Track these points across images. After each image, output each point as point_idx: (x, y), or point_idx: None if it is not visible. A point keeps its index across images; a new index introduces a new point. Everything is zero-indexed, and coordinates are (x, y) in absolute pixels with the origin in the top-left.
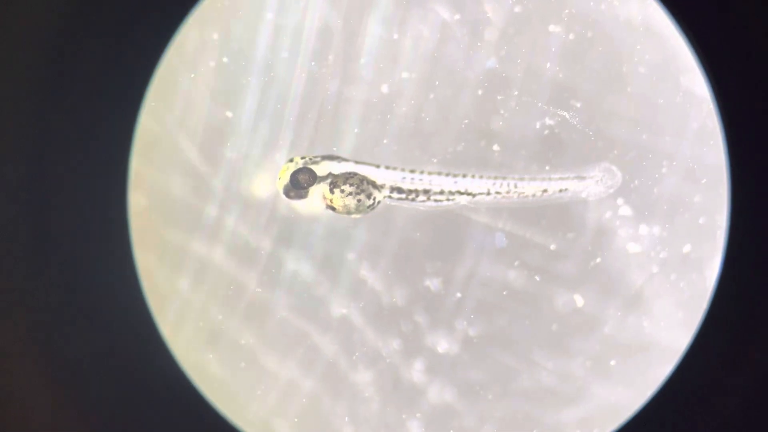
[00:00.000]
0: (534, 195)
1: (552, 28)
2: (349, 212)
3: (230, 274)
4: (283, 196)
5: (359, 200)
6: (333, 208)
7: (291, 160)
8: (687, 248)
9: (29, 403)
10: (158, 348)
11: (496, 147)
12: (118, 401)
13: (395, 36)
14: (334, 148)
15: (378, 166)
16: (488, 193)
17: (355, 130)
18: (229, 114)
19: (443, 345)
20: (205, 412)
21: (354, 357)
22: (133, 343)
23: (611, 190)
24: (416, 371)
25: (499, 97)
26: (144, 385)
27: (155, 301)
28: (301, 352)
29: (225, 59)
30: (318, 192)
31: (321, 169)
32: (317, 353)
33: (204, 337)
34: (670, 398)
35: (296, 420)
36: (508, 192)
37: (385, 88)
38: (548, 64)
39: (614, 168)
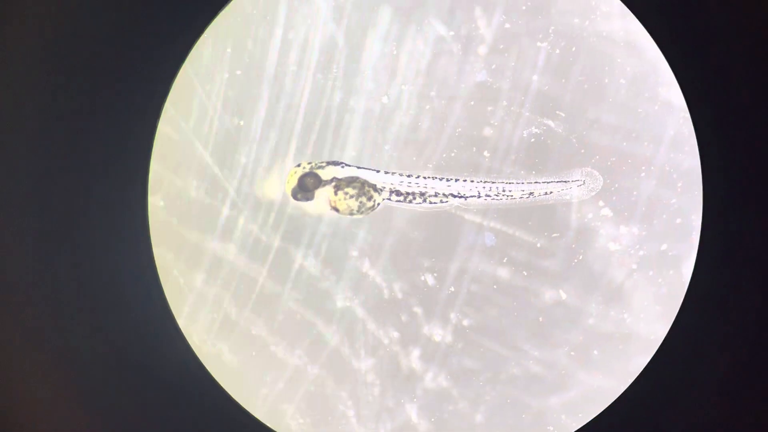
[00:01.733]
0: (521, 197)
1: (539, 43)
2: (351, 213)
3: (242, 269)
4: (291, 198)
5: (361, 202)
6: (337, 209)
7: (298, 165)
8: (664, 247)
9: (49, 393)
10: (175, 338)
11: (486, 153)
12: (137, 388)
13: (394, 51)
14: (338, 154)
15: (378, 171)
16: (479, 196)
17: (359, 139)
18: (241, 122)
19: (439, 334)
20: (218, 396)
21: (356, 346)
22: (152, 334)
23: (593, 193)
24: (414, 359)
25: (489, 108)
26: (162, 372)
27: (172, 294)
28: (307, 342)
29: (238, 71)
30: (323, 194)
31: (326, 173)
32: (322, 342)
33: (217, 328)
34: (648, 385)
35: (302, 404)
36: (497, 194)
37: (385, 99)
38: (535, 77)
39: (596, 172)
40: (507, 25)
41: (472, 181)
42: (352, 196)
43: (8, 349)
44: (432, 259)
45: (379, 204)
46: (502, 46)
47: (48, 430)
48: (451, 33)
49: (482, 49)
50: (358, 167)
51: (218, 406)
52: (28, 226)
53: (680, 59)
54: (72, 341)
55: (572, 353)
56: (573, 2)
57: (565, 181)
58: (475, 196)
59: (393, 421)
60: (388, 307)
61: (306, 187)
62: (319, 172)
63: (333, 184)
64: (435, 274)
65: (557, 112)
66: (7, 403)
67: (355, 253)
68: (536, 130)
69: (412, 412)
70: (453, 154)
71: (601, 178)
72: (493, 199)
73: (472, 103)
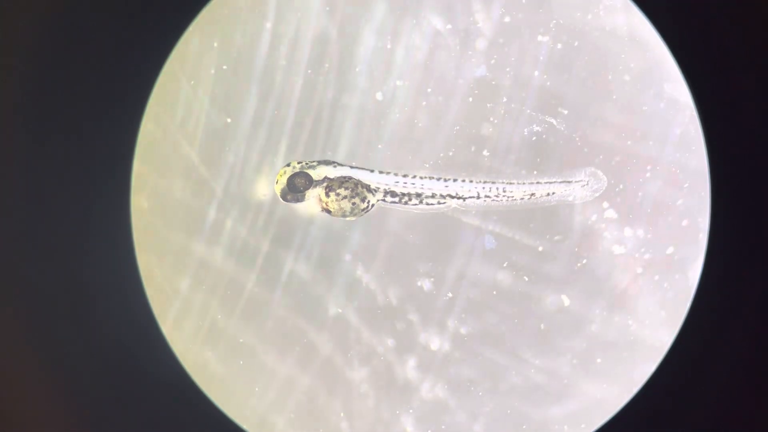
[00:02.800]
0: (522, 198)
1: (540, 37)
2: (344, 215)
3: (229, 274)
4: (281, 200)
5: (354, 203)
6: (329, 211)
7: (288, 165)
8: (670, 250)
9: (32, 402)
10: (159, 346)
11: (485, 152)
12: (120, 398)
13: (389, 45)
14: (330, 153)
15: (372, 171)
16: (478, 197)
17: (352, 137)
18: (228, 119)
19: (435, 343)
20: (205, 408)
21: (349, 354)
22: (135, 342)
23: (597, 194)
24: (409, 368)
25: (488, 105)
26: (145, 382)
27: (156, 301)
28: (298, 350)
29: (224, 66)
30: (314, 195)
31: (317, 173)
32: (314, 351)
33: (204, 336)
34: (654, 394)
35: (293, 415)
36: (497, 195)
37: (379, 96)
38: (536, 73)
39: (600, 172)
40: (507, 19)
41: (471, 182)
42: (344, 197)
43: None
44: (429, 264)
45: (373, 205)
46: (501, 41)
47: None
48: (449, 26)
49: (481, 44)
50: (351, 167)
51: (205, 417)
52: (3, 228)
53: (687, 54)
54: (48, 350)
55: (575, 361)
56: None
57: (568, 182)
58: (474, 197)
59: None
60: (382, 314)
61: (296, 187)
62: (310, 171)
63: (324, 184)
64: (432, 280)
65: (559, 109)
66: None
67: (348, 257)
68: (538, 128)
69: (408, 424)
70: (451, 154)
71: (605, 179)
72: (493, 200)
73: (471, 99)
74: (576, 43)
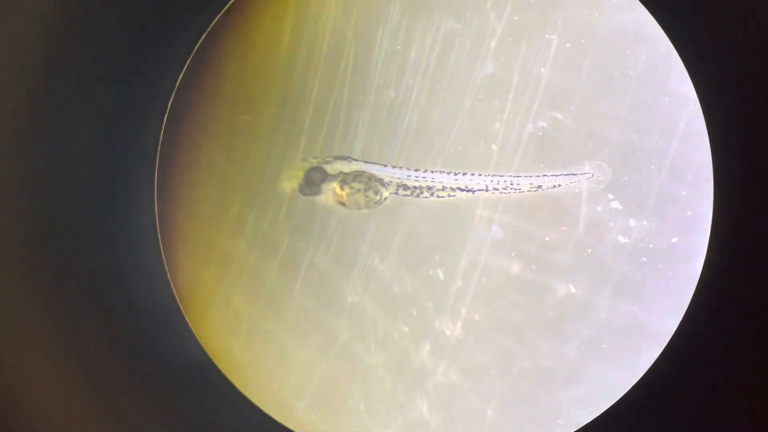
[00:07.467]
0: (530, 191)
1: (548, 36)
2: (358, 208)
3: (251, 264)
4: (299, 193)
5: (368, 197)
6: (344, 204)
7: (305, 160)
8: (674, 239)
9: (58, 391)
10: (185, 334)
11: (494, 147)
12: (145, 385)
13: (402, 44)
14: (347, 149)
15: (385, 165)
16: (487, 189)
17: (366, 133)
18: (247, 117)
19: (449, 329)
20: (228, 392)
21: (366, 341)
22: (161, 330)
23: (602, 186)
24: (424, 353)
25: (497, 102)
26: (171, 368)
27: (181, 291)
28: (317, 337)
29: (246, 66)
30: (330, 189)
31: (333, 168)
32: (332, 337)
33: (227, 324)
34: (659, 378)
35: (313, 399)
36: (505, 188)
37: (392, 93)
38: (543, 70)
39: (605, 165)
40: (516, 18)
41: (480, 175)
42: (358, 191)
43: (16, 346)
44: (441, 254)
45: (386, 198)
46: (510, 39)
47: (58, 423)
48: (459, 26)
49: (491, 42)
50: (366, 162)
51: (228, 401)
52: (38, 220)
53: (691, 50)
54: (80, 337)
55: (582, 347)
56: None
57: (574, 174)
58: (483, 190)
59: (404, 415)
60: (397, 302)
61: (313, 181)
62: (326, 166)
63: (339, 178)
64: (444, 269)
65: (566, 104)
66: (17, 397)
67: (364, 248)
68: (544, 124)
69: (423, 406)
70: (461, 148)
71: (611, 171)
72: (502, 192)
73: (481, 96)
74: (583, 41)
